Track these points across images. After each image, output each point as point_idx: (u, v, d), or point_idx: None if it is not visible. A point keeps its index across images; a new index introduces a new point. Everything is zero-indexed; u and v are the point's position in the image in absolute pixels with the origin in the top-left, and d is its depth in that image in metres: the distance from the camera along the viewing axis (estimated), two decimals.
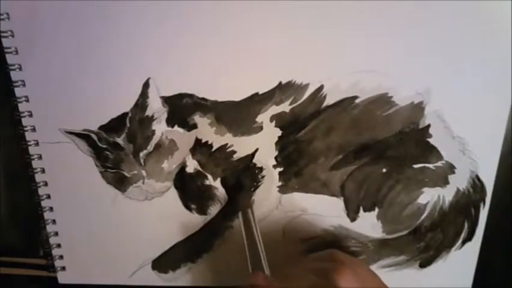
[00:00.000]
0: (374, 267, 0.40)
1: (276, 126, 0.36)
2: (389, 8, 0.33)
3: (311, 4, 0.33)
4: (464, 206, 0.38)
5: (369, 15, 0.34)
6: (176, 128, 0.37)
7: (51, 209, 0.39)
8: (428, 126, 0.36)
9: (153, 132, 0.36)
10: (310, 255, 0.35)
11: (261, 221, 0.39)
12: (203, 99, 0.36)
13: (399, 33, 0.34)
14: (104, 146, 0.37)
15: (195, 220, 0.39)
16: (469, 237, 0.39)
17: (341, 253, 0.32)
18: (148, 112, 0.36)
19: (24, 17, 0.34)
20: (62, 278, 0.42)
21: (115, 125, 0.36)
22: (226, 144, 0.37)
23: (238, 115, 0.36)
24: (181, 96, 0.36)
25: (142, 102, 0.36)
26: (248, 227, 0.34)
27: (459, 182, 0.37)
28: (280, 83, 0.35)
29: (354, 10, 0.34)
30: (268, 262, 0.39)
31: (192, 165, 0.37)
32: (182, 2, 0.34)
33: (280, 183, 0.38)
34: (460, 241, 0.39)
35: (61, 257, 0.41)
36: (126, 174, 0.37)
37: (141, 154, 0.37)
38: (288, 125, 0.36)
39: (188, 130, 0.37)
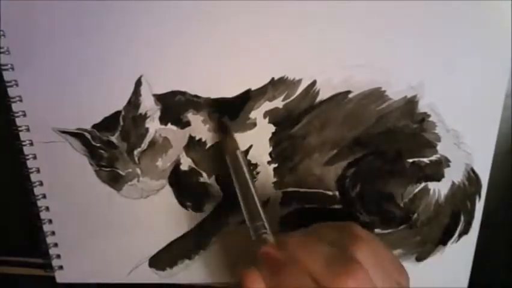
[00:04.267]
0: None
1: (269, 122, 0.36)
2: (381, 3, 0.33)
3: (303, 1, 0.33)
4: (460, 199, 0.38)
5: (361, 10, 0.33)
6: (169, 125, 0.36)
7: (47, 208, 0.39)
8: (422, 120, 0.36)
9: (146, 130, 0.36)
10: (324, 223, 0.32)
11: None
12: (196, 96, 0.36)
13: (392, 28, 0.34)
14: (98, 145, 0.37)
15: (191, 217, 0.39)
16: (465, 230, 0.39)
17: (358, 227, 0.29)
18: (141, 110, 0.36)
19: (16, 17, 0.34)
20: (60, 277, 0.42)
21: (109, 124, 0.36)
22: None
23: (231, 112, 0.36)
24: (173, 93, 0.36)
25: (134, 100, 0.36)
26: (239, 174, 0.32)
27: (454, 175, 0.37)
28: (272, 78, 0.35)
29: (347, 5, 0.33)
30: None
31: (186, 163, 0.37)
32: (175, 2, 0.34)
33: (275, 179, 0.38)
34: (457, 234, 0.39)
35: (58, 256, 0.41)
36: (121, 172, 0.37)
37: (135, 152, 0.37)
38: (282, 120, 0.36)
39: (182, 128, 0.37)
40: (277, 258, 0.27)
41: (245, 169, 0.33)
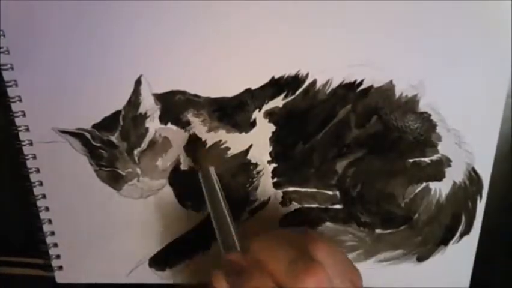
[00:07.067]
0: (371, 262, 0.40)
1: (269, 122, 0.36)
2: (382, 3, 0.33)
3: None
4: (461, 199, 0.38)
5: (362, 9, 0.33)
6: (169, 125, 0.36)
7: (47, 208, 0.39)
8: (423, 119, 0.36)
9: (146, 129, 0.36)
10: (284, 228, 0.37)
11: (257, 217, 0.39)
12: (195, 95, 0.36)
13: (392, 27, 0.34)
14: (98, 145, 0.37)
15: (191, 217, 0.39)
16: (467, 231, 0.39)
17: (314, 231, 0.33)
18: (141, 110, 0.36)
19: (16, 17, 0.34)
20: (60, 277, 0.42)
21: (108, 123, 0.36)
22: (220, 140, 0.37)
23: (231, 111, 0.36)
24: (173, 93, 0.36)
25: (134, 100, 0.36)
26: (212, 192, 0.33)
27: (455, 175, 0.37)
28: (273, 78, 0.35)
29: (347, 5, 0.33)
30: None
31: (186, 163, 0.37)
32: (175, 2, 0.34)
33: (275, 179, 0.38)
34: (458, 234, 0.39)
35: (58, 256, 0.41)
36: (121, 172, 0.37)
37: (135, 152, 0.37)
38: (282, 120, 0.36)
39: (182, 127, 0.37)
40: (240, 262, 0.28)
41: (217, 186, 0.34)
